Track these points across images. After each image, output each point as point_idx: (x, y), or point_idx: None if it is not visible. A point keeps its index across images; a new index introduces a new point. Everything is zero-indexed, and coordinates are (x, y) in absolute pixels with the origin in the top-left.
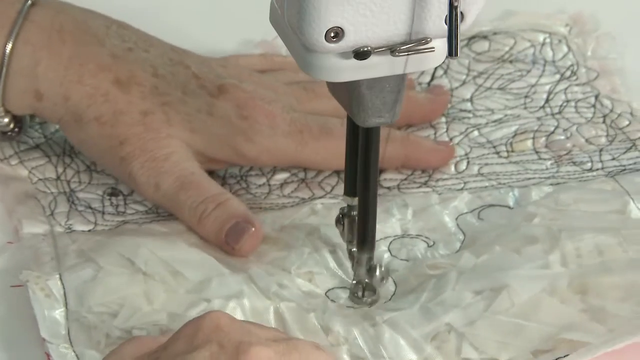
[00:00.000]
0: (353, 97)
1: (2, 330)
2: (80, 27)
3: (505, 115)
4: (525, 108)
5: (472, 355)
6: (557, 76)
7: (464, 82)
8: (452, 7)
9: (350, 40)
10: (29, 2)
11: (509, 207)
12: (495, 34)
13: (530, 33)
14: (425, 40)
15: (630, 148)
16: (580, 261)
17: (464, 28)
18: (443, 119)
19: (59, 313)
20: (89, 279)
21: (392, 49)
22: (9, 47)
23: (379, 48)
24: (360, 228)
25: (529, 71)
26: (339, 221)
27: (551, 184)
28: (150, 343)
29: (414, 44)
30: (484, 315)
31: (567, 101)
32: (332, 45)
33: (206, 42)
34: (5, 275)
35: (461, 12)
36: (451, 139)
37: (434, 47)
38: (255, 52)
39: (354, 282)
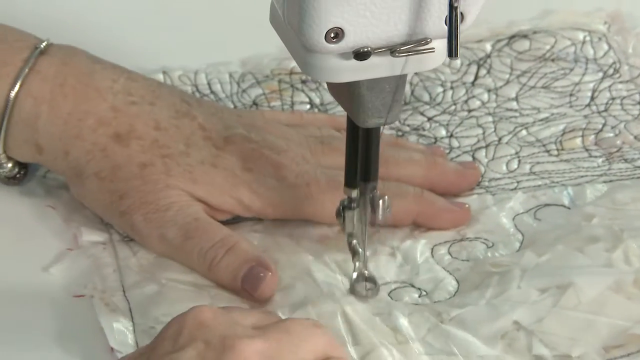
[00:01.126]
0: (353, 98)
1: (67, 338)
2: (83, 80)
3: (552, 114)
4: (571, 106)
5: (544, 352)
6: (600, 74)
7: (507, 82)
8: (452, 8)
9: (350, 41)
10: (38, 50)
11: (565, 207)
12: (535, 32)
13: (570, 31)
14: (425, 40)
15: None
16: None
17: (464, 28)
18: (490, 119)
19: (125, 326)
20: (153, 295)
21: (392, 50)
22: (12, 95)
23: (379, 49)
24: (363, 159)
25: (571, 69)
26: (339, 214)
27: (604, 182)
28: None
29: (414, 44)
30: (552, 312)
31: (612, 99)
32: (332, 45)
33: (246, 48)
34: (68, 283)
35: (461, 13)
36: (500, 138)
37: (434, 48)
38: None
39: (355, 275)
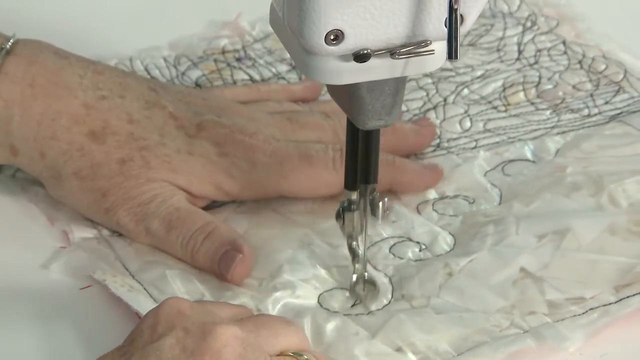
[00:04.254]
0: (353, 100)
1: (85, 327)
2: (52, 79)
3: (487, 71)
4: (502, 61)
5: (557, 296)
6: (520, 27)
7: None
8: (452, 10)
9: (350, 43)
10: (4, 50)
11: (530, 161)
12: None
13: None
14: (425, 42)
15: (618, 91)
16: (630, 200)
17: (464, 30)
18: (430, 80)
19: (146, 300)
20: (161, 277)
21: (392, 52)
22: None
23: (379, 51)
24: (363, 162)
25: (492, 25)
26: (338, 216)
27: (558, 133)
28: None
29: (414, 46)
30: (555, 256)
31: (539, 50)
32: (332, 47)
33: (173, 26)
34: (72, 277)
35: (461, 15)
36: (445, 98)
37: (433, 50)
38: (223, 33)
39: (354, 277)
